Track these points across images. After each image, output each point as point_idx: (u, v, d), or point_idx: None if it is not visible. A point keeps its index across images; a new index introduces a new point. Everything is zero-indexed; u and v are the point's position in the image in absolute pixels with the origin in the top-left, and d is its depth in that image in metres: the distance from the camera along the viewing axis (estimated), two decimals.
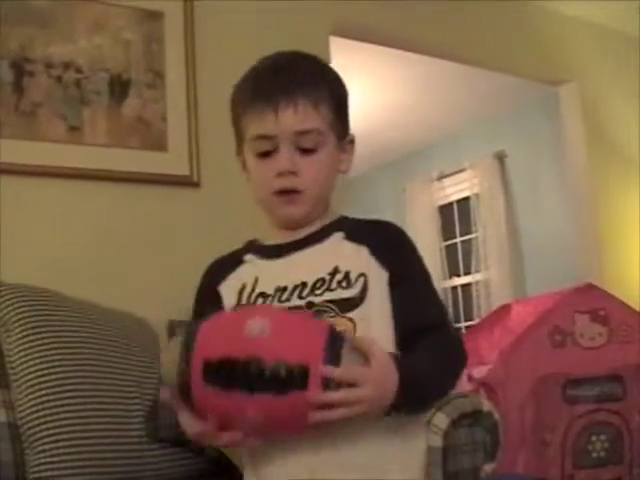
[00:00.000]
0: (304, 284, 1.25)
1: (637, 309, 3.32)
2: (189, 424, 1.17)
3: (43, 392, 1.77)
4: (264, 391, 1.06)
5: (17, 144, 2.35)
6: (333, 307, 1.22)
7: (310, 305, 1.23)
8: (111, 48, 2.56)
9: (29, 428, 1.74)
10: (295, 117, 1.27)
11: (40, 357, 1.80)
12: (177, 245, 2.58)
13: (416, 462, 1.26)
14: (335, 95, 1.33)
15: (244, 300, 1.29)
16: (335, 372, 1.06)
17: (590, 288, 3.25)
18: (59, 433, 1.73)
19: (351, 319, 1.22)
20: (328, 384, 1.06)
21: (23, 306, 1.87)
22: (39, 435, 1.73)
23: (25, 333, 1.83)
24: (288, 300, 1.25)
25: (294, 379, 1.06)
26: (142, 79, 2.59)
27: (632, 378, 3.08)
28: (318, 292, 1.24)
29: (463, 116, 5.59)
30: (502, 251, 5.50)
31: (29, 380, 1.78)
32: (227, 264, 1.39)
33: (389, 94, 5.07)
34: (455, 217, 6.13)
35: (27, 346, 1.81)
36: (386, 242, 1.30)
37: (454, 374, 1.26)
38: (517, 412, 2.90)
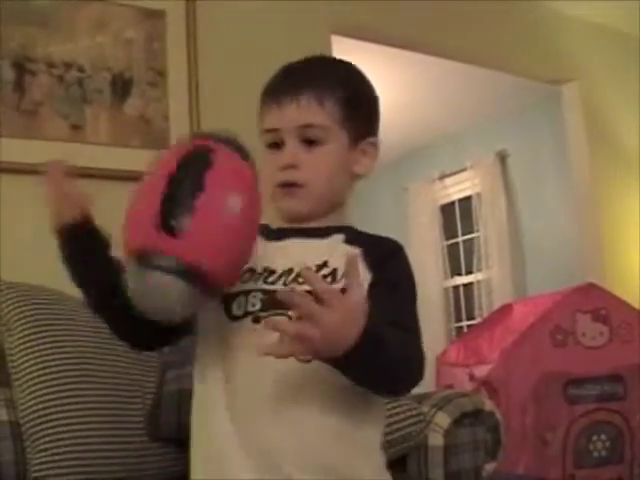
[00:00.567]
0: (291, 270, 1.26)
1: (638, 308, 3.32)
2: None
3: (44, 391, 1.77)
4: None
5: (19, 143, 2.35)
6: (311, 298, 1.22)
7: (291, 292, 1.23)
8: (113, 47, 2.56)
9: (30, 427, 1.75)
10: (298, 111, 1.29)
11: (41, 356, 1.81)
12: None
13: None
14: (346, 94, 1.33)
15: None
16: (317, 284, 1.05)
17: (591, 288, 3.26)
18: (60, 432, 1.74)
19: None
20: None
21: (24, 305, 1.87)
22: (40, 434, 1.73)
23: (26, 332, 1.83)
24: (273, 283, 1.25)
25: None
26: (144, 78, 2.59)
27: (633, 378, 3.08)
28: (301, 280, 1.22)
29: (465, 115, 5.59)
30: (504, 250, 5.50)
31: (30, 379, 1.78)
32: None
33: (391, 93, 5.07)
34: (457, 216, 6.13)
35: (28, 345, 1.82)
36: (380, 252, 1.29)
37: (409, 373, 1.21)
38: (518, 411, 2.90)
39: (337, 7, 3.18)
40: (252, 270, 1.28)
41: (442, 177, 6.06)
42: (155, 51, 2.64)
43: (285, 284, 1.25)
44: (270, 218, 1.40)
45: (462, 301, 6.02)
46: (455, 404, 2.01)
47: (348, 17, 3.26)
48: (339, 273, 1.24)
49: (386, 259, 1.29)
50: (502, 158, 5.62)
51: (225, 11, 2.83)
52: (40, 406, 1.75)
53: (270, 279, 1.26)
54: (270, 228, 1.37)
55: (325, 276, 1.24)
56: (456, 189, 6.01)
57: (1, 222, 2.25)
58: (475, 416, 1.99)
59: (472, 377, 3.09)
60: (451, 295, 6.07)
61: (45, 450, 1.72)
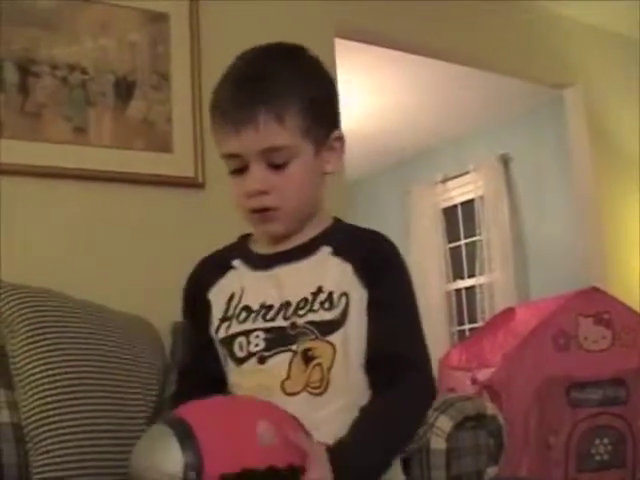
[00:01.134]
0: (288, 303, 1.23)
1: None
2: None
3: (47, 393, 1.77)
4: None
5: (22, 145, 2.35)
6: (314, 330, 1.20)
7: (293, 326, 1.21)
8: (117, 50, 2.56)
9: (33, 429, 1.74)
10: (257, 135, 1.20)
11: (44, 358, 1.81)
12: (181, 246, 2.58)
13: None
14: (307, 98, 1.24)
15: (231, 310, 1.27)
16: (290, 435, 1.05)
17: (594, 291, 3.25)
18: (63, 434, 1.73)
19: (331, 343, 1.19)
20: None
21: (27, 307, 1.87)
22: (43, 436, 1.73)
23: (29, 334, 1.83)
24: (273, 320, 1.22)
25: None
26: (147, 81, 2.60)
27: (635, 382, 3.08)
28: (301, 312, 1.21)
29: (468, 119, 5.59)
30: (506, 254, 5.49)
31: (33, 381, 1.78)
32: (217, 267, 1.36)
33: (394, 96, 5.07)
34: (459, 220, 6.13)
35: (31, 347, 1.82)
36: (372, 260, 1.25)
37: (415, 422, 1.22)
38: (521, 415, 2.90)
39: (340, 10, 3.18)
40: (248, 308, 1.25)
41: (445, 180, 6.06)
42: (159, 54, 2.64)
43: (285, 318, 1.22)
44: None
45: (464, 304, 6.02)
46: (457, 408, 2.00)
47: (351, 20, 3.27)
48: (335, 295, 1.21)
49: (381, 271, 1.24)
50: (505, 161, 5.62)
51: (229, 14, 2.84)
52: (43, 408, 1.75)
53: (269, 316, 1.23)
54: (254, 254, 1.33)
55: (322, 302, 1.21)
56: (459, 192, 6.02)
57: (3, 223, 2.25)
58: (477, 420, 1.99)
59: (474, 381, 3.08)
60: (453, 298, 6.07)
61: (47, 452, 1.72)
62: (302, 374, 1.12)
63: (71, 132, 2.44)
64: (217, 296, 1.30)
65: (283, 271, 1.27)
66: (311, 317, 1.21)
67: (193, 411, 1.09)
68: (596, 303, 3.17)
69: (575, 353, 3.05)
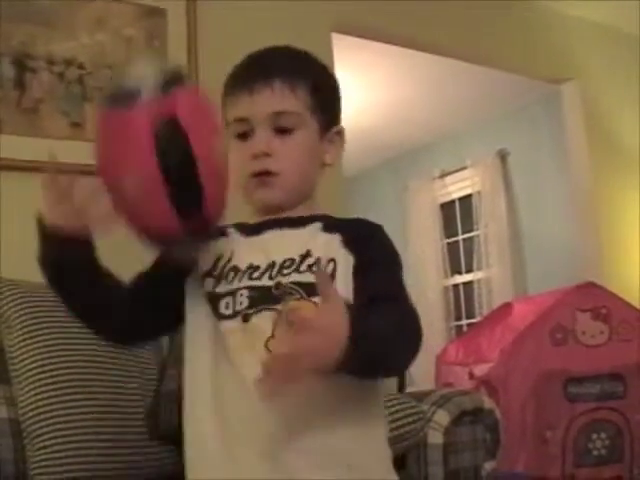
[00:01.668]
0: (274, 263, 1.25)
1: (638, 307, 3.32)
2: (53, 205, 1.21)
3: (44, 388, 1.77)
4: None
5: (19, 140, 2.35)
6: (299, 290, 1.21)
7: (278, 285, 1.22)
8: (113, 45, 2.56)
9: (30, 424, 1.75)
10: (271, 98, 1.27)
11: (41, 353, 1.81)
12: None
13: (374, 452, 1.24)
14: (315, 82, 1.32)
15: (218, 270, 1.28)
16: (323, 279, 1.07)
17: (591, 286, 3.26)
18: (60, 429, 1.74)
19: (316, 303, 1.18)
20: None
21: (24, 303, 1.88)
22: (40, 431, 1.73)
23: (26, 329, 1.83)
24: (259, 279, 1.24)
25: None
26: None
27: (633, 376, 3.08)
28: (286, 272, 1.23)
29: (465, 114, 5.58)
30: (504, 249, 5.50)
31: (30, 376, 1.78)
32: None
33: (391, 91, 5.07)
34: (457, 215, 6.13)
35: (28, 342, 1.82)
36: (358, 233, 1.28)
37: (409, 343, 1.18)
38: (518, 410, 2.91)
39: (337, 5, 3.18)
40: (236, 268, 1.27)
41: (442, 175, 6.06)
42: (155, 49, 2.64)
43: (271, 278, 1.23)
44: (241, 216, 1.39)
45: (462, 300, 6.02)
46: (455, 402, 2.01)
47: (348, 15, 3.26)
48: (323, 260, 1.23)
49: (366, 239, 1.28)
50: (502, 157, 5.62)
51: (226, 9, 2.83)
52: (40, 403, 1.75)
53: (255, 275, 1.25)
54: (245, 225, 1.36)
55: (310, 265, 1.23)
56: (456, 187, 6.01)
57: (1, 219, 2.25)
58: (475, 414, 1.99)
59: (472, 376, 3.09)
60: (451, 294, 6.07)
61: (45, 448, 1.72)
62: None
63: (68, 127, 2.44)
64: (204, 256, 1.31)
65: (272, 235, 1.30)
66: (296, 277, 1.22)
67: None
68: (594, 298, 3.18)
69: (572, 348, 3.06)
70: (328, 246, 1.25)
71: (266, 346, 1.18)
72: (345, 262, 1.24)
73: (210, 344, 1.24)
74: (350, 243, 1.25)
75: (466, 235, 5.99)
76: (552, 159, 5.19)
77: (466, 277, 5.95)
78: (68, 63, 2.46)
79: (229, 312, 1.24)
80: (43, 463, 1.71)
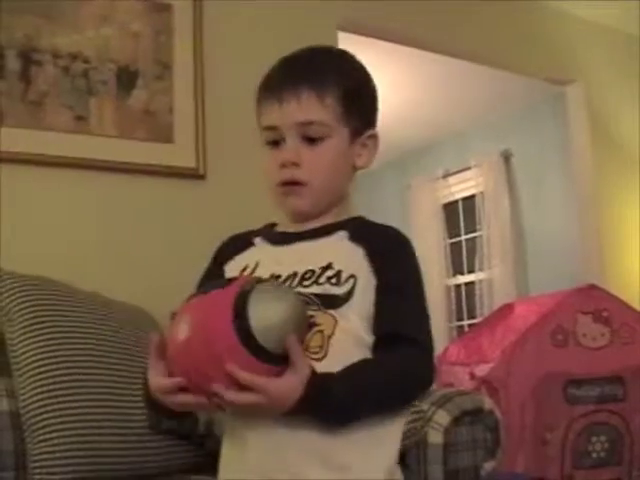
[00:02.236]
0: (295, 274, 1.26)
1: (639, 310, 3.32)
2: (157, 375, 1.17)
3: (45, 381, 1.77)
4: None
5: (23, 133, 2.35)
6: (317, 301, 1.22)
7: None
8: (119, 39, 2.56)
9: (31, 417, 1.74)
10: (298, 108, 1.27)
11: (42, 346, 1.81)
12: (182, 237, 2.58)
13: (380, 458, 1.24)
14: (345, 87, 1.32)
15: None
16: (239, 374, 1.08)
17: (593, 288, 3.25)
18: (61, 422, 1.74)
19: (333, 316, 1.21)
20: None
21: (26, 295, 1.87)
22: (41, 424, 1.73)
23: (28, 322, 1.83)
24: None
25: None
26: (150, 70, 2.59)
27: (633, 379, 3.08)
28: (306, 283, 1.24)
29: (470, 114, 5.58)
30: (506, 250, 5.49)
31: (31, 369, 1.78)
32: (239, 244, 1.40)
33: (396, 90, 5.06)
34: (460, 215, 6.12)
35: (29, 335, 1.82)
36: (384, 247, 1.28)
37: (400, 395, 1.22)
38: (518, 411, 2.90)
39: (344, 3, 3.18)
40: (259, 279, 1.27)
41: (446, 175, 6.05)
42: (161, 44, 2.64)
43: (291, 287, 1.24)
44: (265, 218, 1.41)
45: (463, 300, 6.01)
46: (455, 402, 2.01)
47: (354, 13, 3.26)
48: (343, 274, 1.24)
49: (391, 256, 1.28)
50: (506, 157, 5.61)
51: (231, 5, 2.83)
52: (40, 396, 1.75)
53: None
54: (275, 232, 1.38)
55: (330, 277, 1.24)
56: (460, 188, 6.01)
57: (4, 212, 2.25)
58: (475, 415, 1.99)
59: (472, 376, 3.09)
60: (453, 294, 6.06)
61: (45, 440, 1.72)
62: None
63: (72, 121, 2.44)
64: (231, 268, 1.35)
65: (297, 246, 1.31)
66: (315, 289, 1.23)
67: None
68: (595, 300, 3.17)
69: (573, 350, 3.06)
70: (351, 259, 1.26)
71: None
72: (367, 282, 1.24)
73: None
74: (374, 256, 1.26)
75: (469, 235, 5.99)
76: (556, 160, 5.19)
77: (468, 277, 5.95)
78: (73, 57, 2.47)
79: None
80: (44, 456, 1.71)
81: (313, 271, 1.25)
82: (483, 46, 3.82)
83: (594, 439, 3.02)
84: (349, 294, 1.23)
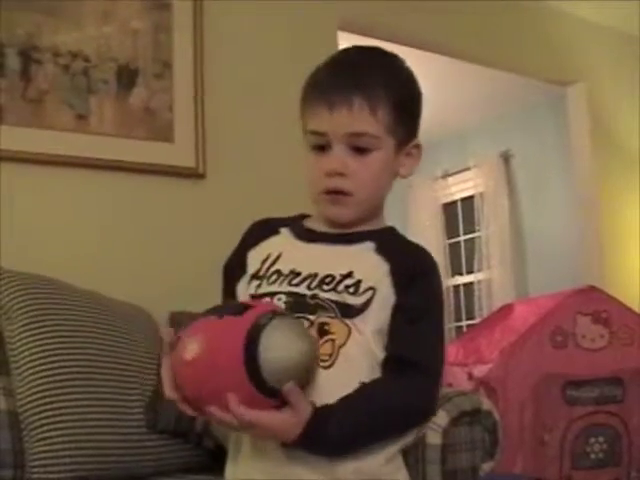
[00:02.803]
0: (316, 275, 1.25)
1: (639, 312, 3.31)
2: (169, 384, 1.18)
3: (44, 380, 1.77)
4: None
5: (23, 132, 2.35)
6: (335, 308, 1.22)
7: (314, 297, 1.23)
8: (119, 37, 2.55)
9: (29, 416, 1.74)
10: (350, 118, 1.25)
11: (41, 345, 1.81)
12: (181, 236, 2.58)
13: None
14: (396, 98, 1.29)
15: (263, 270, 1.30)
16: (238, 410, 1.08)
17: (592, 290, 3.25)
18: (59, 421, 1.73)
19: (348, 325, 1.21)
20: None
21: (25, 294, 1.87)
22: (39, 423, 1.73)
23: (27, 321, 1.83)
24: (297, 285, 1.25)
25: None
26: (150, 69, 2.59)
27: (632, 381, 3.08)
28: (325, 287, 1.23)
29: (470, 115, 5.58)
30: (505, 251, 5.49)
31: (30, 368, 1.78)
32: (267, 229, 1.39)
33: None
34: (459, 216, 6.12)
35: (29, 334, 1.81)
36: (410, 268, 1.27)
37: (398, 427, 1.24)
38: (517, 412, 2.90)
39: (344, 3, 3.17)
40: (279, 272, 1.28)
41: (445, 176, 6.06)
42: (161, 42, 2.63)
43: (309, 288, 1.24)
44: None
45: (462, 301, 6.01)
46: (454, 403, 2.00)
47: (354, 13, 3.26)
48: (363, 285, 1.23)
49: (414, 278, 1.27)
50: (506, 158, 5.61)
51: (232, 4, 2.83)
52: (39, 395, 1.75)
53: (295, 281, 1.26)
54: (303, 226, 1.36)
55: (348, 286, 1.23)
56: (459, 188, 6.01)
57: (4, 210, 2.25)
58: (473, 415, 1.99)
59: (471, 376, 3.08)
60: (452, 294, 6.06)
61: (43, 439, 1.72)
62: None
63: (72, 119, 2.44)
64: (254, 257, 1.34)
65: (321, 248, 1.30)
66: (333, 296, 1.23)
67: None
68: (594, 301, 3.17)
69: (572, 351, 3.05)
70: (373, 271, 1.26)
71: None
72: (386, 296, 1.24)
73: None
74: (398, 275, 1.25)
75: (468, 236, 5.99)
76: (556, 161, 5.19)
77: (467, 278, 5.95)
78: (73, 55, 2.46)
79: None
80: (42, 455, 1.71)
81: (333, 277, 1.24)
82: (483, 47, 3.81)
83: (593, 440, 3.02)
84: (365, 305, 1.23)
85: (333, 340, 1.20)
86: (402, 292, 1.24)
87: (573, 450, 2.98)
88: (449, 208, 6.17)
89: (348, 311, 1.21)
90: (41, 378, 1.77)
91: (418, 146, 1.36)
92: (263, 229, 1.39)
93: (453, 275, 6.08)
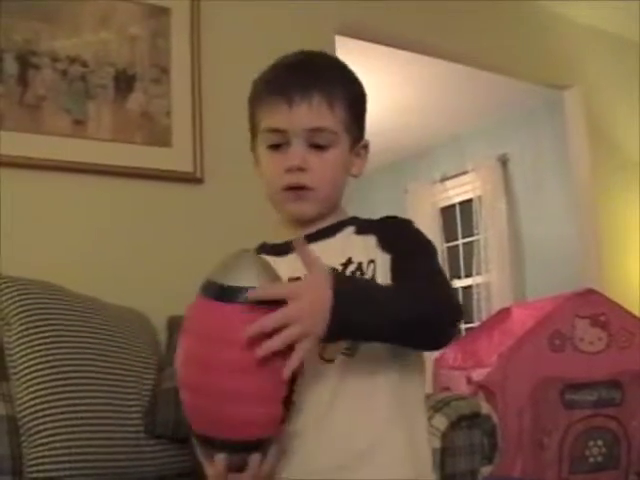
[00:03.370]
0: None
1: (637, 315, 3.32)
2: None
3: (42, 386, 1.77)
4: None
5: (21, 137, 2.35)
6: None
7: None
8: (117, 43, 2.56)
9: (28, 422, 1.74)
10: (309, 113, 1.26)
11: (40, 351, 1.80)
12: (179, 241, 2.58)
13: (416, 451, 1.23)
14: (351, 96, 1.32)
15: None
16: (258, 292, 1.05)
17: (590, 293, 3.25)
18: (58, 427, 1.73)
19: None
20: None
21: (24, 299, 1.87)
22: (37, 429, 1.73)
23: (25, 327, 1.83)
24: None
25: None
26: (147, 74, 2.59)
27: (630, 384, 3.08)
28: None
29: (467, 118, 5.59)
30: (503, 254, 5.49)
31: (28, 374, 1.78)
32: None
33: (393, 95, 5.07)
34: (457, 219, 6.13)
35: (27, 340, 1.81)
36: (391, 231, 1.30)
37: (433, 308, 1.17)
38: (515, 415, 2.90)
39: (342, 7, 3.18)
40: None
41: (443, 179, 6.06)
42: (159, 48, 2.64)
43: None
44: (263, 222, 1.38)
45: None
46: (453, 407, 2.01)
47: (352, 18, 3.26)
48: (364, 264, 1.25)
49: (399, 236, 1.30)
50: (503, 162, 5.62)
51: (229, 9, 2.84)
52: (37, 401, 1.75)
53: None
54: (275, 245, 1.36)
55: (353, 272, 1.24)
56: (457, 192, 6.01)
57: (2, 216, 2.25)
58: (472, 419, 1.99)
59: (469, 380, 3.08)
60: None
61: (42, 445, 1.72)
62: None
63: (70, 125, 2.44)
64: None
65: (311, 248, 1.26)
66: None
67: None
68: (593, 305, 3.17)
69: (571, 354, 3.05)
70: (366, 249, 1.27)
71: (320, 354, 1.19)
72: (382, 262, 1.26)
73: None
74: (385, 242, 1.27)
75: (466, 240, 5.99)
76: (553, 165, 5.19)
77: (465, 281, 5.95)
78: (71, 60, 2.46)
79: None
80: (40, 460, 1.71)
81: (335, 270, 1.23)
82: (481, 51, 3.82)
83: (591, 443, 3.02)
84: (372, 278, 1.24)
85: None
86: (392, 248, 1.26)
87: (572, 453, 2.98)
88: (447, 212, 6.17)
89: None
90: (39, 384, 1.77)
91: (366, 146, 1.40)
92: None
93: (451, 279, 6.07)
